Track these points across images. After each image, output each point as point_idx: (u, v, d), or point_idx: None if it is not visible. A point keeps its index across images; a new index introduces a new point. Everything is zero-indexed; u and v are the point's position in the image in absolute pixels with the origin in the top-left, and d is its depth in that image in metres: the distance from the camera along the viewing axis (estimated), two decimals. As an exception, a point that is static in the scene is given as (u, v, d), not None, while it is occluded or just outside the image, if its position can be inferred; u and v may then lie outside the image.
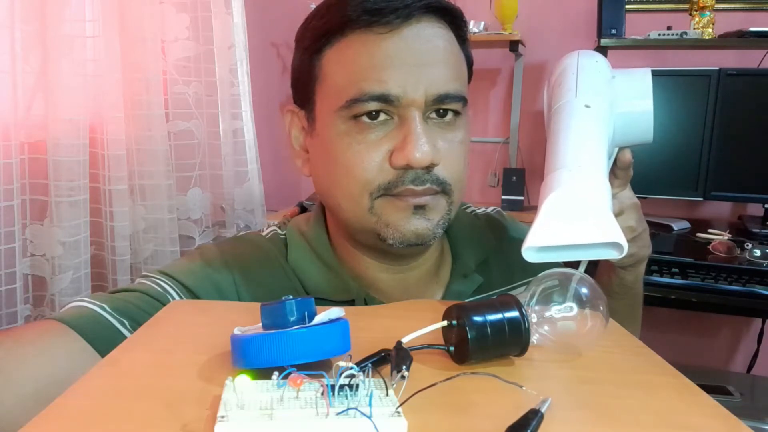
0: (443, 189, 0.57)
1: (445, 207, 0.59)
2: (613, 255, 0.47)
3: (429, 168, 0.56)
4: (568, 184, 0.48)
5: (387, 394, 0.31)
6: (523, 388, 0.34)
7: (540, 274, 0.44)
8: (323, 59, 0.58)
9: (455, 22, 0.59)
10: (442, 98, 0.56)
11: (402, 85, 0.54)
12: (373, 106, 0.55)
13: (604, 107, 0.55)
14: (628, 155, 0.59)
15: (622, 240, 0.46)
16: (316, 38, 0.59)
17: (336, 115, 0.57)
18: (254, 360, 0.33)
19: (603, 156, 0.52)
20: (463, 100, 0.58)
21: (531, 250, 0.48)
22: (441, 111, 0.57)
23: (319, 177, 0.62)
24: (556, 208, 0.48)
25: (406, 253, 0.62)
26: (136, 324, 0.52)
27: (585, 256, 0.48)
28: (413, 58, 0.55)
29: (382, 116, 0.56)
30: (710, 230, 1.66)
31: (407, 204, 0.56)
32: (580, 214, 0.47)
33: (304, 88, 0.61)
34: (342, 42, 0.57)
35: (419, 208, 0.57)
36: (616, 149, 0.59)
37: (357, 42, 0.56)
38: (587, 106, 0.54)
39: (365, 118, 0.55)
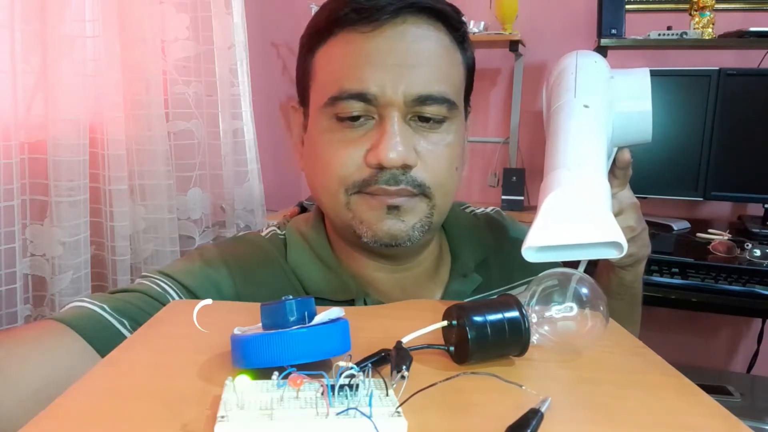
0: (422, 191, 0.57)
1: (424, 210, 0.58)
2: (613, 254, 0.47)
3: (405, 169, 0.56)
4: (567, 183, 0.48)
5: (387, 394, 0.31)
6: (523, 388, 0.34)
7: (540, 274, 0.44)
8: (315, 57, 0.60)
9: (451, 23, 0.59)
10: (423, 99, 0.55)
11: (380, 84, 0.54)
12: (352, 104, 0.55)
13: (603, 107, 0.55)
14: (627, 155, 0.59)
15: (622, 239, 0.46)
16: (310, 37, 0.60)
17: (320, 112, 0.58)
18: (254, 360, 0.33)
19: (602, 156, 0.52)
20: (448, 102, 0.57)
21: (531, 250, 0.48)
22: (426, 112, 0.56)
23: (307, 172, 0.63)
24: (556, 208, 0.48)
25: (391, 253, 0.62)
26: (136, 324, 0.52)
27: (585, 255, 0.48)
28: (394, 58, 0.55)
29: (363, 119, 0.56)
30: (710, 230, 1.66)
31: (381, 203, 0.56)
32: (579, 214, 0.47)
33: (301, 87, 0.63)
34: (331, 41, 0.58)
35: (393, 209, 0.57)
36: (615, 149, 0.59)
37: (343, 41, 0.57)
38: (586, 106, 0.54)
39: (348, 120, 0.56)
